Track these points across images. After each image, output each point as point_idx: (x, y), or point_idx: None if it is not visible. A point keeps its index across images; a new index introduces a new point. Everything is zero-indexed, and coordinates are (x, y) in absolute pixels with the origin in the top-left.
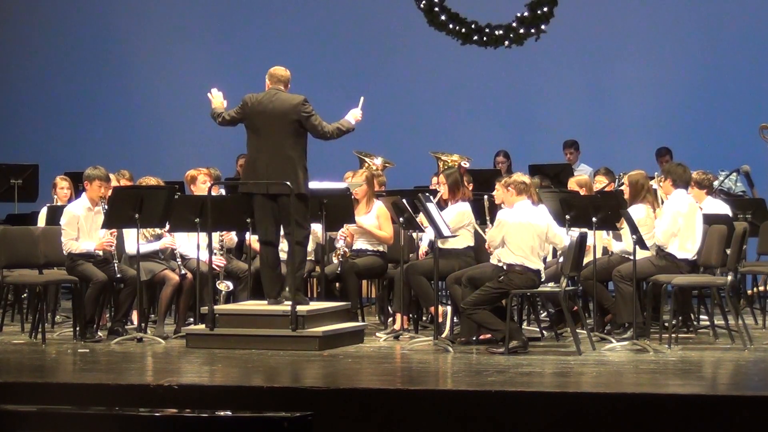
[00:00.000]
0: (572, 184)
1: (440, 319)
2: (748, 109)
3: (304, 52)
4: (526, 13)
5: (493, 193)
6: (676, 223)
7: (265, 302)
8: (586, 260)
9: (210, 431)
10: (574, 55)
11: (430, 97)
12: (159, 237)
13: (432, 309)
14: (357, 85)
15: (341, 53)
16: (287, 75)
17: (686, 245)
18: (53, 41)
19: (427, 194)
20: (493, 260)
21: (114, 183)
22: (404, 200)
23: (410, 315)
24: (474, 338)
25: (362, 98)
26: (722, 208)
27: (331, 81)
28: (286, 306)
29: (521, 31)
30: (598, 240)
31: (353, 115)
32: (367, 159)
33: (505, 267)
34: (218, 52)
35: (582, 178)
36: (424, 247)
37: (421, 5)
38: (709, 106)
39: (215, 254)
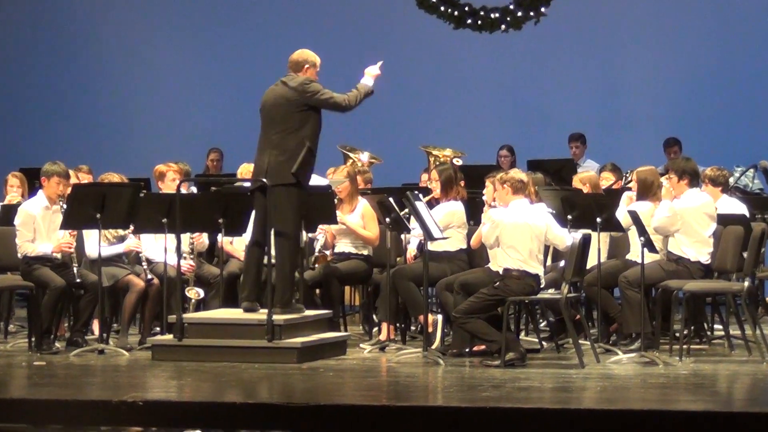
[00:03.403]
0: (577, 182)
1: (430, 329)
2: (766, 100)
3: (284, 40)
4: None
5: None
6: (675, 215)
7: (239, 310)
8: (589, 264)
9: None
10: (578, 41)
11: (420, 87)
12: (123, 239)
13: (421, 318)
14: (339, 73)
15: (322, 39)
16: (296, 58)
17: (701, 247)
18: (9, 30)
19: (416, 192)
20: (493, 266)
21: (73, 180)
22: (391, 199)
23: (397, 324)
24: (467, 350)
25: (381, 62)
26: (738, 207)
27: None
28: (261, 314)
29: (519, 14)
30: (603, 242)
31: (369, 74)
32: (351, 154)
33: (501, 272)
34: (185, 43)
35: (588, 174)
36: (412, 249)
37: None
38: (724, 97)
39: (184, 258)
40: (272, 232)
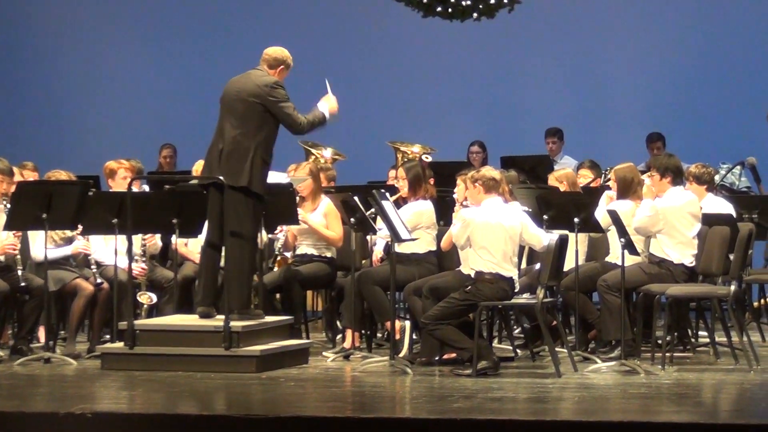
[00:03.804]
0: (553, 180)
1: (397, 336)
2: (754, 93)
3: (239, 31)
4: None
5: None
6: (657, 215)
7: (194, 316)
8: (566, 267)
9: None
10: (555, 30)
11: (387, 80)
12: (70, 240)
13: (388, 324)
14: (300, 66)
15: (282, 29)
16: (276, 55)
17: (684, 248)
18: None
19: (382, 191)
20: (464, 269)
21: (17, 177)
22: (356, 198)
23: (363, 331)
24: (436, 358)
25: (328, 82)
26: (724, 206)
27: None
28: (218, 321)
29: (492, 1)
30: (580, 244)
31: (326, 103)
32: (314, 150)
33: (472, 275)
34: (136, 34)
35: (565, 171)
36: (378, 251)
37: None
38: (710, 90)
39: (136, 261)
40: (228, 233)
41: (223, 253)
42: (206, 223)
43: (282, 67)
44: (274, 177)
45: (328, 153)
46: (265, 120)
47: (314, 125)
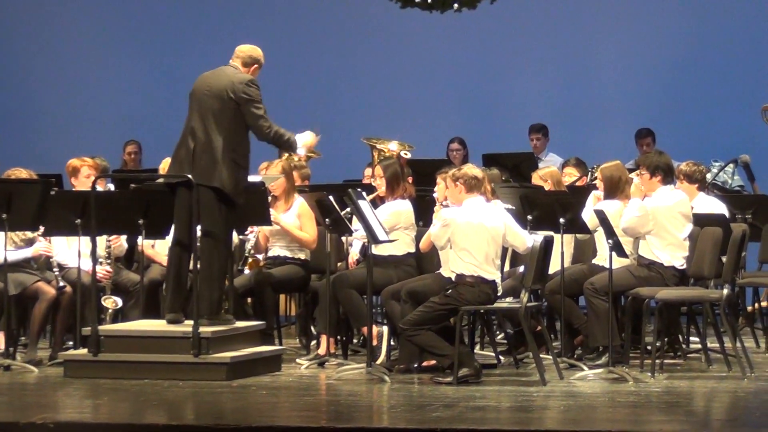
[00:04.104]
0: (537, 178)
1: (375, 342)
2: (748, 87)
3: (204, 25)
4: None
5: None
6: (646, 215)
7: (162, 322)
8: (552, 270)
9: None
10: (540, 22)
11: (363, 74)
12: (31, 242)
13: (364, 330)
14: (276, 63)
15: (252, 22)
16: (251, 53)
17: (675, 250)
18: None
19: (358, 190)
20: (444, 272)
21: None
22: (331, 197)
23: (338, 337)
24: (415, 365)
25: (317, 131)
26: (717, 206)
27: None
28: (186, 326)
29: None
30: (566, 245)
31: (306, 135)
32: None
33: (453, 278)
34: (99, 28)
35: (549, 170)
36: (355, 253)
37: None
38: (702, 84)
39: (100, 263)
40: (198, 233)
41: (191, 254)
42: (173, 224)
43: (256, 65)
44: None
45: (302, 150)
46: (239, 119)
47: (281, 139)
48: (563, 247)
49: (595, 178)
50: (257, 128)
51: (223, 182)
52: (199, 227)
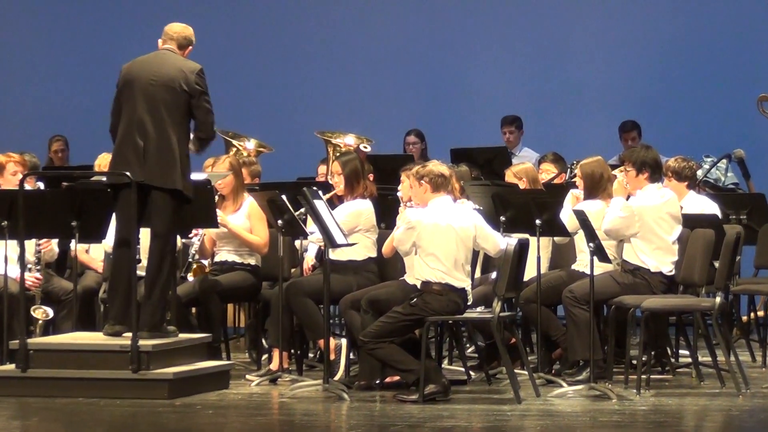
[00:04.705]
0: (511, 175)
1: (332, 357)
2: (742, 75)
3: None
4: None
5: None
6: (632, 215)
7: (98, 334)
8: (527, 276)
9: None
10: (514, 3)
11: (316, 61)
12: None
13: (321, 342)
14: (218, 48)
15: (188, 7)
16: (186, 33)
17: (662, 254)
18: None
19: (314, 188)
20: (409, 279)
21: None
22: (284, 196)
23: (292, 351)
24: (377, 381)
25: None
26: (708, 206)
27: (199, 56)
28: (124, 339)
29: None
30: (543, 249)
31: None
32: (235, 141)
33: (418, 285)
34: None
35: (524, 166)
36: (310, 258)
37: None
38: (692, 72)
39: (29, 270)
40: (141, 237)
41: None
42: (112, 226)
43: (190, 47)
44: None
45: (251, 144)
46: (188, 113)
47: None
48: (540, 252)
49: (575, 176)
50: (206, 124)
51: (183, 184)
52: (143, 229)
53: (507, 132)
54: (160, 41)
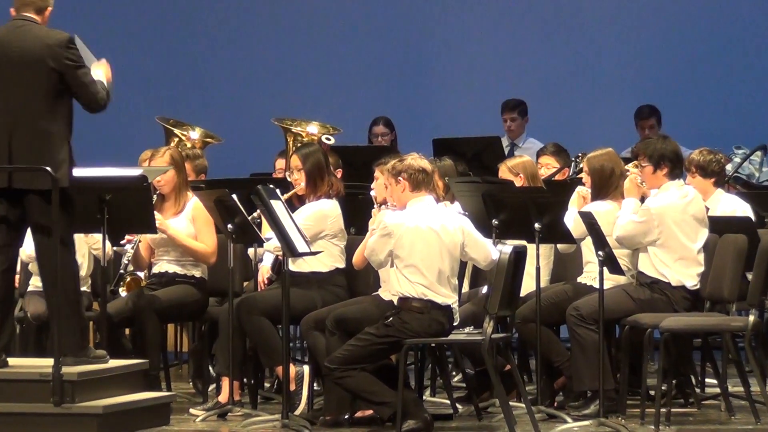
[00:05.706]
0: (505, 171)
1: (292, 387)
2: None
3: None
4: None
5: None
6: (650, 220)
7: (19, 359)
8: (524, 291)
9: None
10: None
11: (272, 39)
12: None
13: (279, 370)
14: (154, 23)
15: None
16: None
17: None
18: None
19: (271, 186)
20: (384, 294)
21: None
22: (234, 196)
23: (244, 380)
24: (346, 416)
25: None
26: (740, 206)
27: (129, 29)
28: (45, 365)
29: None
30: (543, 259)
31: (100, 70)
32: (177, 131)
33: (395, 302)
34: None
35: (521, 160)
36: (266, 269)
37: None
38: (719, 52)
39: None
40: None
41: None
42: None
43: (49, 8)
44: (122, 171)
45: (196, 134)
46: (61, 93)
47: (107, 102)
48: (539, 262)
49: (580, 171)
50: (89, 97)
51: (67, 180)
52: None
53: (508, 119)
54: (12, 10)
